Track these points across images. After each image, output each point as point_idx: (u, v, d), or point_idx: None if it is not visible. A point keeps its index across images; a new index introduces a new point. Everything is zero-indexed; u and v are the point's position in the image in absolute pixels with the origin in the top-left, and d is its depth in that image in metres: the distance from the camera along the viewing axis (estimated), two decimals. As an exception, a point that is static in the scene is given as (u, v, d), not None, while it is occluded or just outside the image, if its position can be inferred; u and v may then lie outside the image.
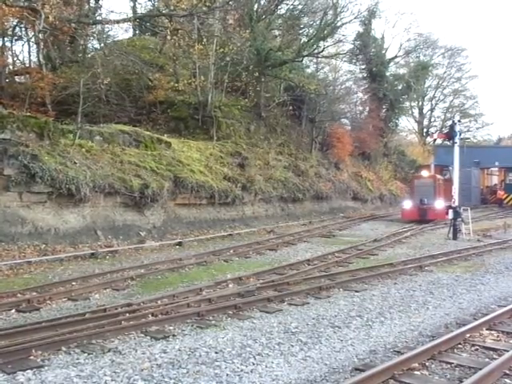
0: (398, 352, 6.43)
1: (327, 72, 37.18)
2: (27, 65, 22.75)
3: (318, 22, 28.97)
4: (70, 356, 6.17)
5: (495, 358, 6.16)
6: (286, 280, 10.50)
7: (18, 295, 9.17)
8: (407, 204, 25.12)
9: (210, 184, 19.78)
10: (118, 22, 20.14)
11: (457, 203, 18.92)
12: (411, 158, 44.72)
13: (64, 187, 14.38)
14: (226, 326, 7.51)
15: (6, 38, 20.88)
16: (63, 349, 6.33)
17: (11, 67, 22.14)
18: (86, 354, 6.20)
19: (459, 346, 6.67)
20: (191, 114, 23.84)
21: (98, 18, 22.30)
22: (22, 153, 13.84)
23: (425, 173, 26.14)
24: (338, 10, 28.81)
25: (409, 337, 7.13)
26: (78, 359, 6.06)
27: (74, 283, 10.24)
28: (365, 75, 39.41)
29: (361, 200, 33.18)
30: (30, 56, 23.23)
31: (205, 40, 22.84)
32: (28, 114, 15.60)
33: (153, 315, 7.75)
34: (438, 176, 26.26)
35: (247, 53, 25.64)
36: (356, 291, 9.87)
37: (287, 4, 30.41)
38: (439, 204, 23.87)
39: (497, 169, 44.58)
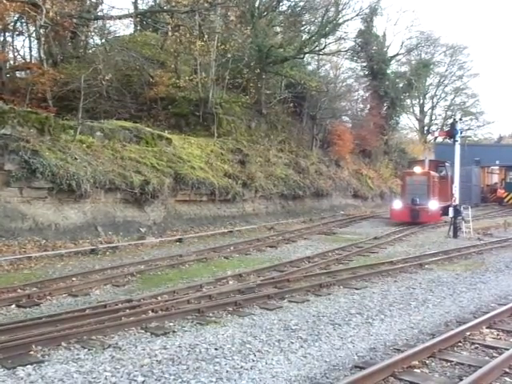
0: (398, 350, 6.43)
1: (328, 69, 37.16)
2: (28, 60, 22.74)
3: (319, 19, 28.89)
4: (70, 351, 6.17)
5: (495, 357, 6.16)
6: (286, 277, 10.50)
7: (19, 290, 9.19)
8: (397, 204, 22.71)
9: (211, 181, 19.77)
10: (119, 17, 20.15)
11: (457, 201, 18.91)
12: (412, 156, 44.69)
13: (64, 183, 14.39)
14: (226, 322, 7.51)
15: (7, 33, 20.85)
16: (63, 344, 6.34)
17: (12, 62, 22.12)
18: (86, 350, 6.21)
19: (459, 344, 6.67)
20: (192, 111, 23.80)
21: (99, 13, 22.24)
22: (23, 148, 13.84)
23: (417, 169, 23.43)
24: (340, 7, 28.70)
25: (409, 335, 7.13)
26: (78, 355, 6.06)
27: (74, 279, 10.25)
28: (366, 73, 39.34)
29: (361, 198, 33.17)
30: (30, 51, 23.26)
31: (206, 36, 22.79)
32: (29, 109, 15.58)
33: (153, 311, 7.76)
34: (433, 173, 23.89)
35: (248, 49, 25.58)
36: (356, 289, 9.86)
37: (289, 1, 30.47)
38: (433, 204, 21.86)
39: (497, 167, 44.54)
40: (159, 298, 8.72)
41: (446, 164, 25.76)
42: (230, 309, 8.15)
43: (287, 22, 29.93)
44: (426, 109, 58.50)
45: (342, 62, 37.29)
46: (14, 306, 8.34)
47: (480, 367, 5.64)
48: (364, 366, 5.73)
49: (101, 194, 15.82)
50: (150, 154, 18.26)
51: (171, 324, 7.34)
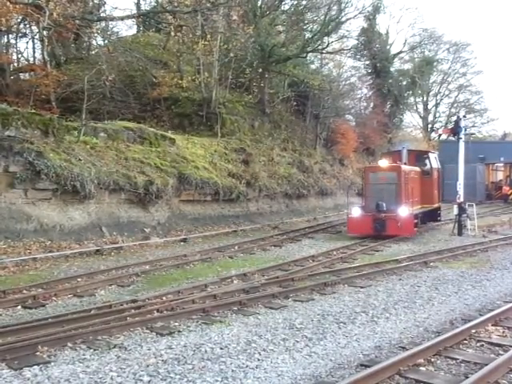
0: (403, 348, 6.41)
1: (331, 68, 37.14)
2: (32, 62, 22.83)
3: (322, 18, 28.84)
4: (75, 352, 6.19)
5: (501, 354, 6.14)
6: (291, 276, 10.50)
7: (24, 291, 9.23)
8: (356, 211, 17.09)
9: (215, 180, 19.79)
10: (122, 18, 20.21)
11: (462, 199, 18.84)
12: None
13: (69, 184, 14.44)
14: (231, 321, 7.52)
15: (10, 35, 20.94)
16: (69, 345, 6.36)
17: (16, 64, 22.22)
18: (91, 350, 6.23)
19: (465, 341, 6.65)
20: (195, 111, 23.85)
21: (102, 14, 22.30)
22: (27, 150, 13.89)
23: (383, 162, 17.67)
24: (343, 5, 28.69)
25: (414, 333, 7.11)
26: (83, 355, 6.08)
27: (79, 279, 10.29)
28: (369, 71, 39.31)
29: (365, 196, 33.08)
30: (34, 53, 23.35)
31: (209, 36, 22.81)
32: (33, 111, 15.64)
33: (158, 311, 7.78)
34: (407, 167, 18.00)
35: (251, 49, 25.61)
36: (361, 287, 9.85)
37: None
38: (403, 211, 16.24)
39: (502, 164, 44.34)
40: (164, 297, 8.73)
41: (431, 154, 21.34)
42: (235, 308, 8.16)
43: (290, 20, 29.87)
44: (429, 106, 58.26)
45: (344, 60, 37.30)
46: (19, 307, 8.38)
47: (486, 365, 5.61)
48: (369, 365, 5.72)
49: (105, 194, 15.86)
50: (154, 155, 18.30)
51: (176, 324, 7.35)
